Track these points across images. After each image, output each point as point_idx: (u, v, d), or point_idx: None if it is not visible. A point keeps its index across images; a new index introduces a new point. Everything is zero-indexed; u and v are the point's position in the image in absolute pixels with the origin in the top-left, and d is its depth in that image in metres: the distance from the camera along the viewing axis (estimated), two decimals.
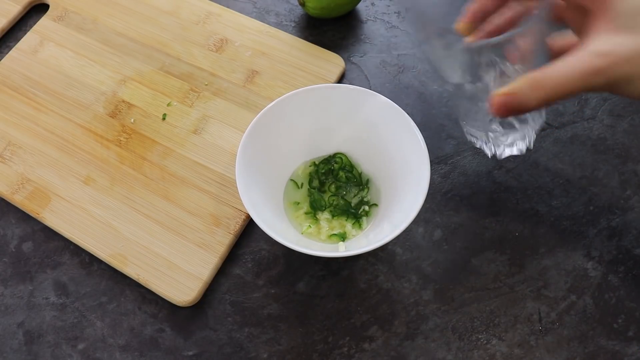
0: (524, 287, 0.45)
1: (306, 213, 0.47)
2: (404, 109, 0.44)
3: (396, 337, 0.44)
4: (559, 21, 0.37)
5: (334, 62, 0.54)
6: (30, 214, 0.48)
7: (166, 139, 0.51)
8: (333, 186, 0.48)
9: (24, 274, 0.47)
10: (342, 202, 0.47)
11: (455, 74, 0.37)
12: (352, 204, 0.47)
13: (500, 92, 0.33)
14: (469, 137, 0.43)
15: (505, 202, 0.48)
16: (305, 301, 0.45)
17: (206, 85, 0.54)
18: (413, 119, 0.43)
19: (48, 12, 0.58)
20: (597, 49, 0.32)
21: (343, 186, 0.48)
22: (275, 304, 0.45)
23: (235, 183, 0.41)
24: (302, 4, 0.55)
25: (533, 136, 0.40)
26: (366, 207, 0.46)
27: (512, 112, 0.34)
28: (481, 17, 0.39)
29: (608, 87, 0.32)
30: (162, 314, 0.45)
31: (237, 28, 0.57)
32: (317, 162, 0.49)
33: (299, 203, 0.47)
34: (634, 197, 0.48)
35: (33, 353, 0.44)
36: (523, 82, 0.33)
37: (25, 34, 0.57)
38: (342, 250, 0.43)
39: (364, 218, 0.46)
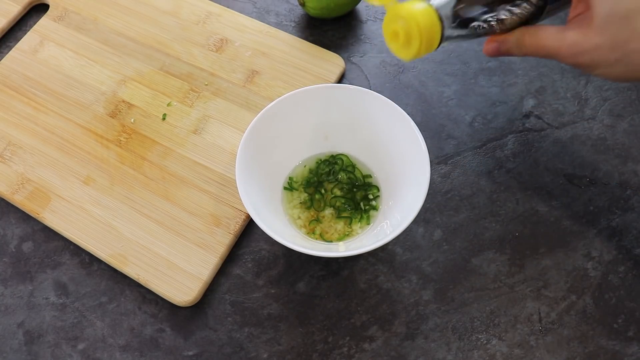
0: (524, 287, 0.45)
1: (307, 212, 0.47)
2: (404, 109, 0.44)
3: (396, 337, 0.44)
4: None
5: (334, 62, 0.54)
6: (30, 214, 0.48)
7: (166, 139, 0.51)
8: (335, 187, 0.48)
9: (24, 274, 0.47)
10: (343, 202, 0.47)
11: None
12: (356, 201, 0.47)
13: (493, 38, 0.39)
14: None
15: (505, 202, 0.48)
16: (305, 301, 0.45)
17: (206, 85, 0.54)
18: (413, 119, 0.43)
19: (48, 12, 0.58)
20: (587, 36, 0.35)
21: (345, 187, 0.48)
22: (275, 304, 0.45)
23: (235, 183, 0.41)
24: (302, 4, 0.55)
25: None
26: (373, 202, 0.47)
27: (498, 55, 0.41)
28: None
29: (588, 69, 0.37)
30: (162, 314, 0.45)
31: (237, 28, 0.57)
32: (317, 162, 0.49)
33: (299, 203, 0.47)
34: (634, 197, 0.48)
35: (33, 353, 0.44)
36: (515, 37, 0.39)
37: (25, 34, 0.57)
38: (342, 250, 0.43)
39: (372, 212, 0.46)
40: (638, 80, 0.36)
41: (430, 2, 0.37)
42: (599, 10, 0.34)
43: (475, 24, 0.38)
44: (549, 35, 0.37)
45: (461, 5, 0.37)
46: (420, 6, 0.36)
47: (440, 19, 0.36)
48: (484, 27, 0.38)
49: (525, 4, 0.39)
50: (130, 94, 0.54)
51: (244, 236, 0.48)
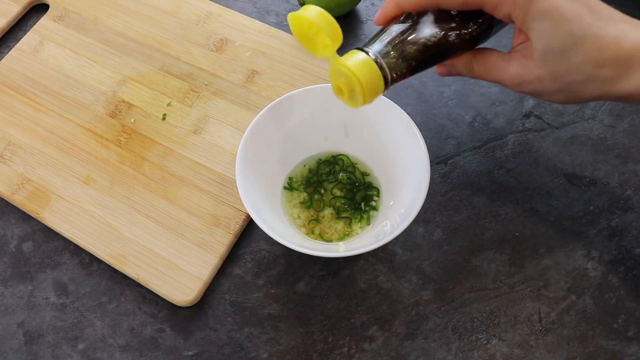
0: (524, 287, 0.45)
1: (306, 212, 0.47)
2: (404, 109, 0.44)
3: (396, 337, 0.44)
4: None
5: None
6: (30, 214, 0.48)
7: (166, 139, 0.51)
8: (335, 188, 0.48)
9: (24, 274, 0.47)
10: (343, 202, 0.47)
11: None
12: (356, 201, 0.47)
13: (446, 62, 0.40)
14: None
15: (505, 202, 0.48)
16: (305, 301, 0.45)
17: (206, 85, 0.54)
18: (413, 119, 0.43)
19: (48, 12, 0.58)
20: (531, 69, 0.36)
21: (345, 187, 0.48)
22: (275, 304, 0.45)
23: (235, 183, 0.41)
24: (302, 4, 0.55)
25: None
26: (372, 203, 0.47)
27: (450, 76, 0.42)
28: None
29: (533, 95, 0.39)
30: (162, 314, 0.45)
31: (237, 28, 0.57)
32: (317, 162, 0.49)
33: (299, 202, 0.47)
34: (634, 197, 0.48)
35: (33, 353, 0.44)
36: (464, 63, 0.40)
37: (25, 34, 0.57)
38: (342, 250, 0.43)
39: (372, 212, 0.46)
40: (582, 103, 0.38)
41: (369, 50, 0.36)
42: (537, 46, 0.35)
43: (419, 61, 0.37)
44: (495, 64, 0.38)
45: (398, 50, 0.36)
46: (358, 59, 0.35)
47: (381, 67, 0.35)
48: (430, 63, 0.38)
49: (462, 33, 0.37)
50: (130, 94, 0.54)
51: (244, 236, 0.48)
